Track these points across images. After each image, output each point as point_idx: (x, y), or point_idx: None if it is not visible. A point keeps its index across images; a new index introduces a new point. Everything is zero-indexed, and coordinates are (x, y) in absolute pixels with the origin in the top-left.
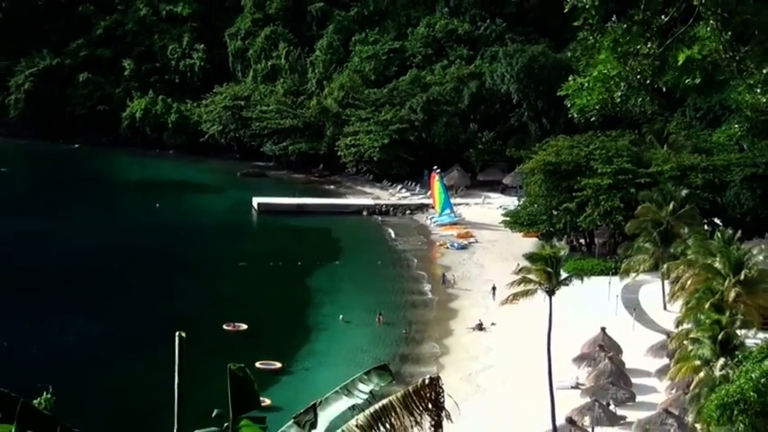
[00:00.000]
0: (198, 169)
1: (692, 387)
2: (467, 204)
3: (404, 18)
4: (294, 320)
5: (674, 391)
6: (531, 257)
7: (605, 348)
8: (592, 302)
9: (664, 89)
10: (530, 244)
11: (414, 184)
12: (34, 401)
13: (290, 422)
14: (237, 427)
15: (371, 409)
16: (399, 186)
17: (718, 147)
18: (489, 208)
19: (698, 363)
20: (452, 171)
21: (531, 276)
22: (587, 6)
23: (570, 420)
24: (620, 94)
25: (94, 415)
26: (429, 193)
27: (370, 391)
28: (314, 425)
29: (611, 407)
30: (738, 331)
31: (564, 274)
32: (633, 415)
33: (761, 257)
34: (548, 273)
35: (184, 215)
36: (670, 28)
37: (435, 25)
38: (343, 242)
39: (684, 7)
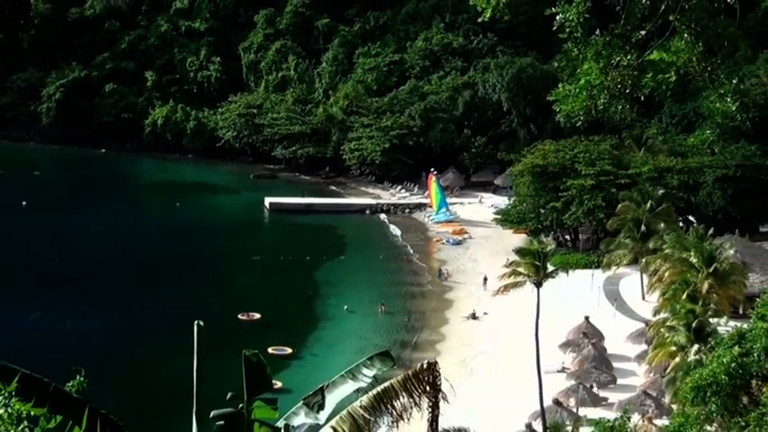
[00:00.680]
0: (214, 172)
1: (668, 371)
2: (461, 203)
3: (403, 33)
4: (303, 310)
5: (651, 375)
6: (520, 252)
7: (589, 335)
8: (576, 293)
9: (642, 98)
10: (519, 240)
11: (412, 184)
12: (68, 384)
13: (300, 403)
14: (251, 408)
15: (374, 392)
16: (399, 187)
17: (692, 150)
18: (482, 206)
19: (674, 348)
20: (448, 173)
21: (521, 269)
22: (573, 23)
23: (557, 402)
24: (602, 101)
25: (121, 396)
26: (426, 193)
27: (374, 375)
28: (322, 406)
29: (595, 389)
30: (711, 320)
31: (551, 268)
32: (614, 396)
33: (731, 252)
34: (536, 266)
35: (202, 214)
36: (648, 41)
37: (432, 39)
38: (348, 238)
39: (661, 22)
